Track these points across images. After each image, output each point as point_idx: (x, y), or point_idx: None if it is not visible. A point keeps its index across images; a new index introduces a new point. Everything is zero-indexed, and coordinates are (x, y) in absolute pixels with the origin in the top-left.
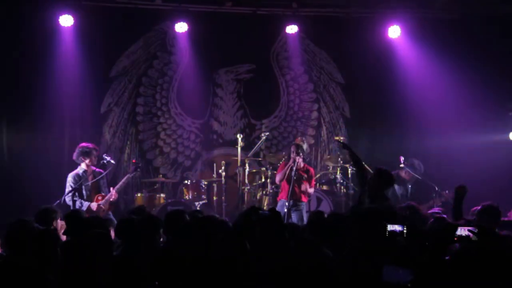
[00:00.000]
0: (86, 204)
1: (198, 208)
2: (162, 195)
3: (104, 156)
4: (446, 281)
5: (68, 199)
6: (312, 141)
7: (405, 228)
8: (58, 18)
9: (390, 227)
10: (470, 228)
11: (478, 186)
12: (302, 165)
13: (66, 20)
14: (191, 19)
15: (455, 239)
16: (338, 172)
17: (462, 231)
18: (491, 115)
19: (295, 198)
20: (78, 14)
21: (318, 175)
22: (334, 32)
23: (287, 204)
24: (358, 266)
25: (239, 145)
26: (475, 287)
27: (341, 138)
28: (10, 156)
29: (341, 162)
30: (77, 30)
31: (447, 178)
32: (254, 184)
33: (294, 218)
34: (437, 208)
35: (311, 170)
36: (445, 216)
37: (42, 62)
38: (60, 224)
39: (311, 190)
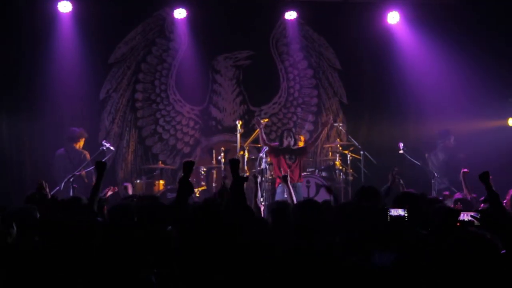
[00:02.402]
0: None
1: (197, 195)
2: (161, 181)
3: (104, 142)
4: (446, 265)
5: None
6: (312, 127)
7: (406, 212)
8: (56, 4)
9: (393, 212)
10: (472, 213)
11: (477, 171)
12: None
13: (64, 7)
14: (190, 5)
15: (458, 224)
16: (337, 159)
17: (465, 216)
18: (490, 100)
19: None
20: (76, 0)
21: (317, 162)
22: (333, 18)
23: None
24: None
25: (238, 131)
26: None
27: None
28: (10, 142)
29: (340, 148)
30: (75, 17)
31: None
32: (253, 170)
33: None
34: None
35: None
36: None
37: (40, 49)
38: None
39: None
